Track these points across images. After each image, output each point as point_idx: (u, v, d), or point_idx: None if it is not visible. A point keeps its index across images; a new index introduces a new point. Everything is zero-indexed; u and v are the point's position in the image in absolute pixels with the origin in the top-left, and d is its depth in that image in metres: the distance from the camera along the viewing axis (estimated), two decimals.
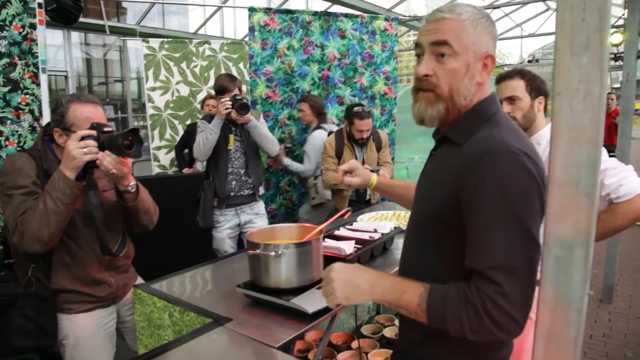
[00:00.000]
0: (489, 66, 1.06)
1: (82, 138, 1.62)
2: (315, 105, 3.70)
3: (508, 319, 0.88)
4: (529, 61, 12.93)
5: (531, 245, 0.92)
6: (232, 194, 2.97)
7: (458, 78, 1.03)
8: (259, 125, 2.97)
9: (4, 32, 2.20)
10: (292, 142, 3.90)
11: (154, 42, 4.66)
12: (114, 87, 10.71)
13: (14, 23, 2.22)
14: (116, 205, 1.89)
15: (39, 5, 2.28)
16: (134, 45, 6.97)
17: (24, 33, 2.26)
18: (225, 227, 3.00)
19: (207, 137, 2.84)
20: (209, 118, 2.95)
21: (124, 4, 8.66)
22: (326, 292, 1.06)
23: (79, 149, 1.60)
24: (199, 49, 4.80)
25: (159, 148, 4.61)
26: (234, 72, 4.89)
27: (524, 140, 1.00)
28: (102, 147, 1.64)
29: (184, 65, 4.71)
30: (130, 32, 6.45)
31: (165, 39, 4.75)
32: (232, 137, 2.93)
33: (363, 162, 3.15)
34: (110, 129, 1.69)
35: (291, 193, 3.95)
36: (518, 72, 1.88)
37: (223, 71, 4.85)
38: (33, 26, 2.28)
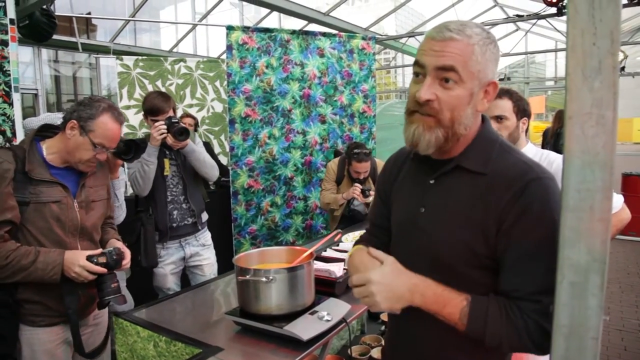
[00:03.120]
0: (491, 94, 1.02)
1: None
2: None
3: (546, 338, 0.88)
4: (501, 79, 13.32)
5: None
6: (174, 224, 2.63)
7: (461, 106, 0.98)
8: (197, 150, 2.64)
9: None
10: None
11: (128, 60, 4.57)
12: None
13: None
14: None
15: (11, 21, 2.20)
16: (105, 63, 6.83)
17: None
18: (168, 261, 2.63)
19: (143, 169, 2.48)
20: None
21: (94, 21, 8.52)
22: (367, 301, 0.99)
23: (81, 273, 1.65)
24: (174, 67, 4.73)
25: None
26: (210, 91, 4.84)
27: None
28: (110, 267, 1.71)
29: (159, 83, 4.63)
30: (103, 50, 6.33)
31: (140, 57, 4.67)
32: (167, 161, 2.60)
33: (363, 191, 3.13)
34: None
35: (273, 214, 3.89)
36: (506, 92, 1.91)
37: (199, 89, 4.79)
38: (4, 43, 2.20)
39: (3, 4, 2.16)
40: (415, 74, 1.03)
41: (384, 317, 2.75)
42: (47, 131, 1.78)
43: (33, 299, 1.70)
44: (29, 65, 5.73)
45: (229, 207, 3.67)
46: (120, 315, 1.74)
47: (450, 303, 0.95)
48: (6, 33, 2.20)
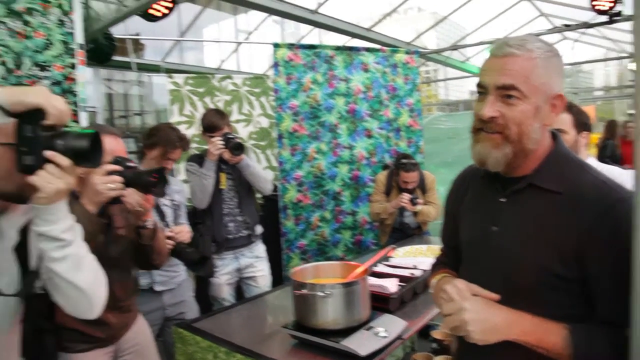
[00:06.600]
0: (558, 107, 1.01)
1: (108, 173, 1.55)
2: None
3: None
4: None
5: None
6: (230, 236, 2.74)
7: (527, 121, 0.97)
8: (252, 164, 2.76)
9: (46, 72, 2.26)
10: None
11: (178, 78, 4.74)
12: (134, 120, 10.93)
13: (56, 64, 2.29)
14: (131, 243, 1.82)
15: (81, 46, 2.34)
16: (156, 81, 7.11)
17: (64, 73, 2.31)
18: (223, 272, 2.74)
19: (202, 184, 2.63)
20: (196, 158, 2.76)
21: (142, 41, 8.91)
22: (458, 331, 0.97)
23: (104, 184, 1.53)
24: (221, 83, 4.87)
25: (186, 182, 4.64)
26: (257, 106, 4.94)
27: None
28: (127, 183, 1.59)
29: (207, 99, 4.77)
30: (152, 68, 6.60)
31: (190, 74, 4.83)
32: (223, 175, 2.73)
33: (411, 200, 3.15)
34: (133, 164, 1.64)
35: (323, 228, 3.91)
36: (566, 106, 1.87)
37: (246, 105, 4.91)
38: (73, 66, 2.34)
39: (72, 30, 2.31)
40: (479, 93, 1.03)
41: (436, 334, 2.71)
42: None
43: (67, 325, 1.66)
44: (89, 84, 6.03)
45: (276, 220, 3.73)
46: (180, 325, 1.80)
47: (551, 332, 0.92)
48: (74, 56, 2.35)
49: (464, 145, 5.23)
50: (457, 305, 0.97)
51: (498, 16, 7.93)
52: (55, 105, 0.99)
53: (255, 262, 2.84)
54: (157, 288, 2.35)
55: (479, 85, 1.03)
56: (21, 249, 1.17)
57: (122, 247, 1.80)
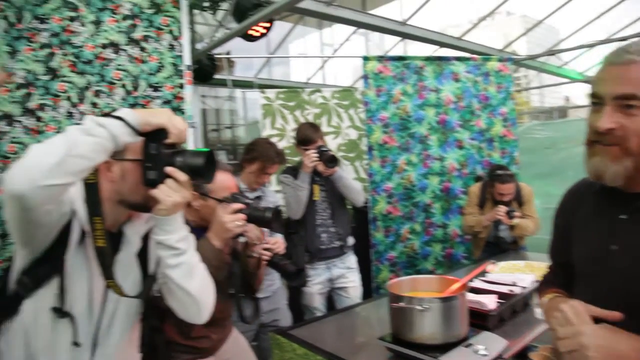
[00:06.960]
0: None
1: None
2: None
3: None
4: None
5: None
6: (322, 247, 2.81)
7: None
8: (344, 176, 2.83)
9: (159, 92, 2.47)
10: None
11: (270, 93, 4.94)
12: (225, 133, 11.52)
13: (167, 84, 2.49)
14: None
15: (188, 67, 2.54)
16: (247, 95, 7.49)
17: (174, 92, 2.52)
18: (315, 281, 2.81)
19: (297, 195, 2.72)
20: (291, 170, 2.86)
21: (232, 58, 9.43)
22: (575, 357, 0.89)
23: (233, 222, 1.61)
24: (311, 97, 4.99)
25: (278, 192, 4.80)
26: (345, 119, 5.01)
27: None
28: (247, 219, 1.66)
29: (297, 113, 4.92)
30: (243, 84, 6.96)
31: (281, 89, 5.02)
32: (316, 187, 2.81)
33: (508, 213, 3.04)
34: (248, 200, 1.72)
35: (413, 241, 3.87)
36: None
37: (335, 118, 5.00)
38: (181, 86, 2.54)
39: (181, 53, 2.52)
40: (593, 103, 0.98)
41: (534, 356, 2.58)
42: None
43: (174, 340, 1.77)
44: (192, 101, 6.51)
45: (365, 232, 3.74)
46: (277, 332, 1.88)
47: None
48: (182, 77, 2.55)
49: (561, 155, 4.90)
50: (575, 328, 0.90)
51: (599, 17, 7.40)
52: (176, 125, 1.12)
53: (347, 272, 2.88)
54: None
55: (593, 95, 0.97)
56: (143, 255, 1.30)
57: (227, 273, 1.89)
